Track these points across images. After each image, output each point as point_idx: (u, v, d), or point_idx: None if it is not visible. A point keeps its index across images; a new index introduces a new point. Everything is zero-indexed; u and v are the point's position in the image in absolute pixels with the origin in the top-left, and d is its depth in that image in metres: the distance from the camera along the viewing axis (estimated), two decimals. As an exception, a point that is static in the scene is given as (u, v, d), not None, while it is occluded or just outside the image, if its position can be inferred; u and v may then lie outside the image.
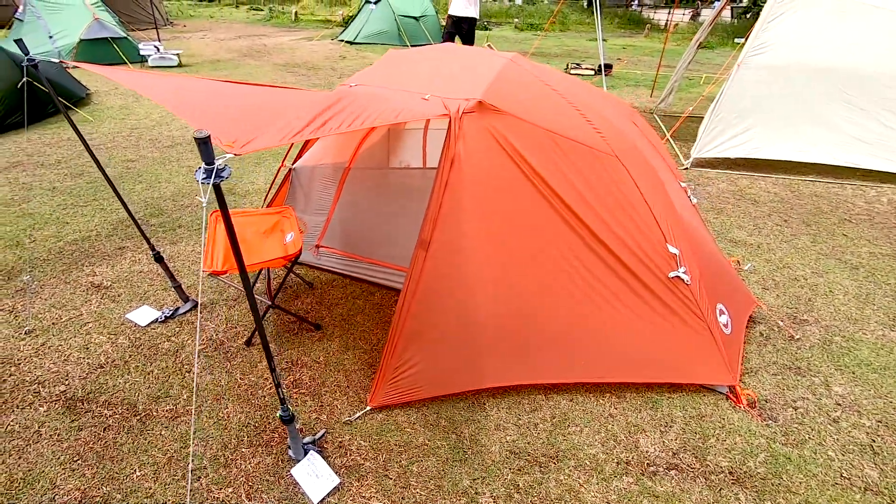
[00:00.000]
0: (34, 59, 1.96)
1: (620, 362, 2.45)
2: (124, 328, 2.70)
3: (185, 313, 2.81)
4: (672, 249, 2.50)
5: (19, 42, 1.94)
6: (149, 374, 2.41)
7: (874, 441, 2.23)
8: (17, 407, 2.20)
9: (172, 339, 2.64)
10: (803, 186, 5.18)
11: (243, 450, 2.05)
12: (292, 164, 3.10)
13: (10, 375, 2.36)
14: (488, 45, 12.66)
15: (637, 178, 2.57)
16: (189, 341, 2.63)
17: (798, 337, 2.89)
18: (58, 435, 2.08)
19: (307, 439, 2.03)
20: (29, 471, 1.92)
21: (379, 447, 2.08)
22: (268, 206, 3.40)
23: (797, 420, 2.33)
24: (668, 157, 3.29)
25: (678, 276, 2.47)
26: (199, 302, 2.87)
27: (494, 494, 1.91)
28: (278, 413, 1.73)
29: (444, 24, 11.64)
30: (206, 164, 1.15)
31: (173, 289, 2.82)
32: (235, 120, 1.62)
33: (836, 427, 2.30)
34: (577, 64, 10.84)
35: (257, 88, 2.28)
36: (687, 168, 5.58)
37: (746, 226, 4.27)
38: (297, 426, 2.16)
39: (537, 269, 2.42)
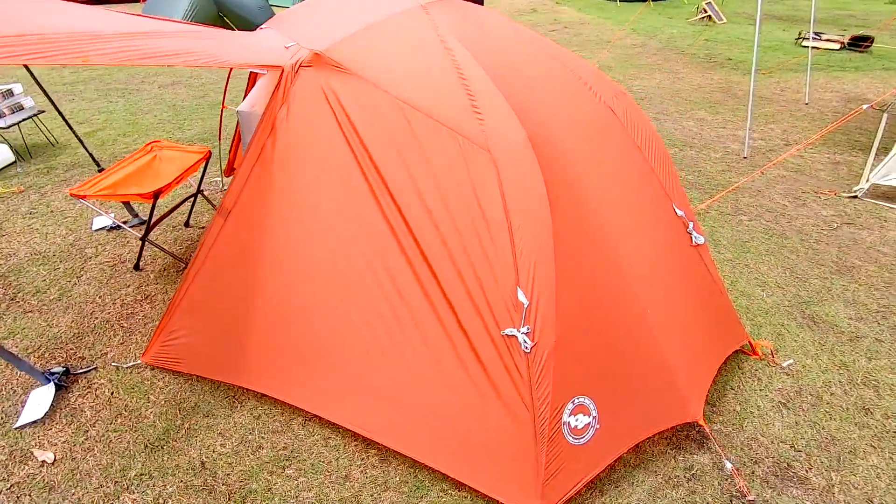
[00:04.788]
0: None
1: (402, 423, 1.86)
2: (80, 228, 3.17)
3: (131, 227, 3.15)
4: (521, 297, 1.72)
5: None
6: (56, 270, 2.81)
7: None
8: (-33, 267, 2.82)
9: (98, 247, 3.00)
10: None
11: (38, 357, 2.25)
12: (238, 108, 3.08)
13: (-13, 242, 3.03)
14: (707, 3, 10.42)
15: (510, 187, 1.80)
16: (103, 252, 2.95)
17: (752, 499, 1.75)
18: (-39, 296, 2.61)
19: (56, 370, 2.11)
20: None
21: (111, 403, 2.04)
22: (231, 152, 3.50)
23: None
24: (660, 166, 2.22)
25: (514, 336, 1.71)
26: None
27: (142, 499, 1.71)
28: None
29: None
30: None
31: (123, 205, 3.17)
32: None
33: None
34: (817, 34, 8.03)
35: (127, 19, 2.25)
36: (855, 196, 3.74)
37: (865, 301, 2.69)
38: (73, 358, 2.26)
39: (340, 278, 1.96)
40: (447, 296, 1.80)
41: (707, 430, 1.90)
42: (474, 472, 1.75)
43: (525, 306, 1.72)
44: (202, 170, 2.97)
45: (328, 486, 1.77)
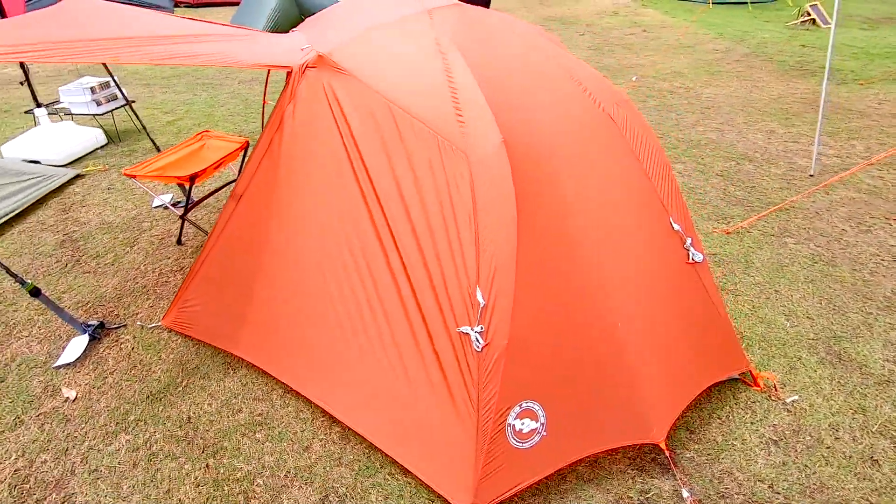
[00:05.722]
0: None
1: (362, 405, 1.96)
2: (143, 204, 3.61)
3: (178, 207, 3.54)
4: (479, 298, 1.77)
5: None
6: (116, 239, 3.23)
7: None
8: (50, 230, 3.32)
9: (153, 222, 3.41)
10: None
11: (84, 311, 2.62)
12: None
13: (67, 212, 3.53)
14: (812, 6, 9.53)
15: (481, 189, 1.85)
16: (156, 226, 3.35)
17: (707, 533, 1.66)
18: (42, 250, 3.08)
19: (92, 323, 2.45)
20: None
21: (129, 356, 2.34)
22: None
23: None
24: (660, 178, 2.13)
25: (468, 334, 1.76)
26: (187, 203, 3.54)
27: (134, 440, 1.96)
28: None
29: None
30: None
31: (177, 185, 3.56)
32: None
33: None
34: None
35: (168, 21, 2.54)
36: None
37: (909, 345, 2.39)
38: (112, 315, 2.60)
39: (325, 263, 2.11)
40: (414, 288, 1.88)
41: (667, 455, 1.82)
42: (419, 460, 1.81)
43: (481, 306, 1.75)
44: (241, 158, 3.26)
45: (288, 454, 1.92)
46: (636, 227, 2.07)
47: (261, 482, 1.82)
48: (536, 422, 1.75)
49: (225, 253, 2.36)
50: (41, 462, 1.89)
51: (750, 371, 2.19)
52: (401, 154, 1.96)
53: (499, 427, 1.71)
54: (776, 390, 2.16)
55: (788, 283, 2.83)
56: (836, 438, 1.98)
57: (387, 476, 1.84)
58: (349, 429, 1.98)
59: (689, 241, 2.13)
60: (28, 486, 1.81)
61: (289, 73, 2.20)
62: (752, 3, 11.62)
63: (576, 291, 1.88)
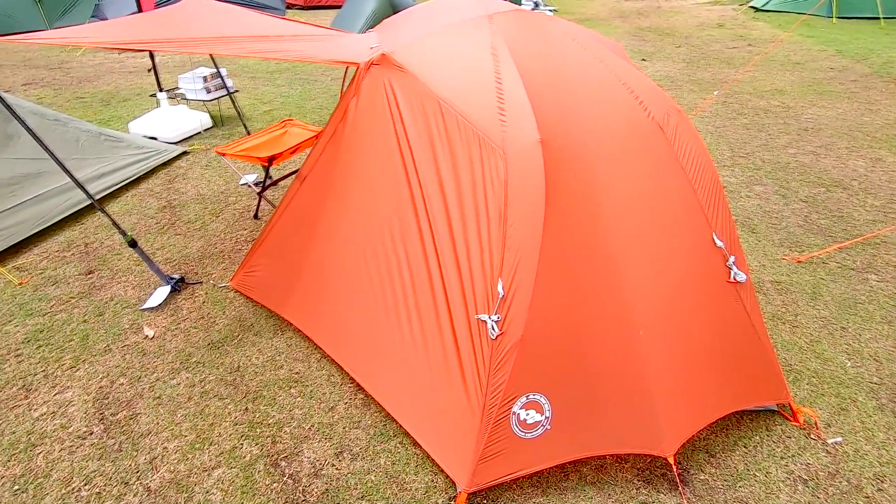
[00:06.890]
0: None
1: (385, 376, 2.11)
2: (232, 181, 4.05)
3: (256, 185, 3.93)
4: (500, 289, 1.86)
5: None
6: (205, 209, 3.67)
7: None
8: (156, 197, 3.84)
9: (238, 197, 3.82)
10: None
11: (170, 267, 3.03)
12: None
13: (171, 182, 4.05)
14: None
15: (514, 186, 1.94)
16: (239, 201, 3.75)
17: (705, 555, 1.61)
18: (147, 212, 3.58)
19: (175, 276, 2.83)
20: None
21: (200, 308, 2.68)
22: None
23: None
24: (706, 191, 2.07)
25: (485, 322, 1.86)
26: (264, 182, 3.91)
27: (191, 378, 2.26)
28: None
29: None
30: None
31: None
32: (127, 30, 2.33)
33: None
34: None
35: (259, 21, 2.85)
36: None
37: None
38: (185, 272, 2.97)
39: (369, 242, 2.30)
40: (442, 272, 2.00)
41: (675, 470, 1.77)
42: (428, 434, 1.92)
43: (500, 296, 1.83)
44: (317, 146, 3.56)
45: (315, 411, 2.11)
46: (674, 238, 2.03)
47: (288, 430, 2.03)
48: (541, 415, 1.79)
49: (286, 228, 2.62)
50: (119, 384, 2.24)
51: (789, 404, 2.05)
52: (445, 147, 2.08)
53: (504, 413, 1.78)
54: (817, 428, 2.01)
55: (860, 321, 2.59)
56: (879, 490, 1.81)
57: (398, 444, 1.98)
58: (372, 397, 2.14)
59: (732, 258, 2.05)
60: (107, 401, 2.17)
61: (357, 69, 2.41)
62: (885, 17, 10.44)
63: (599, 294, 1.90)
